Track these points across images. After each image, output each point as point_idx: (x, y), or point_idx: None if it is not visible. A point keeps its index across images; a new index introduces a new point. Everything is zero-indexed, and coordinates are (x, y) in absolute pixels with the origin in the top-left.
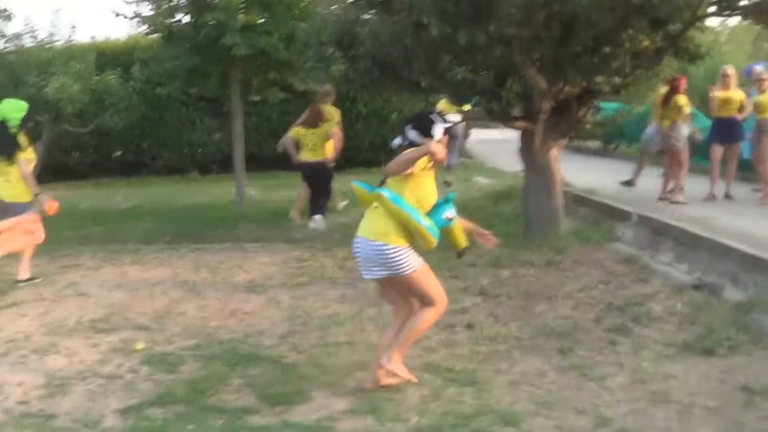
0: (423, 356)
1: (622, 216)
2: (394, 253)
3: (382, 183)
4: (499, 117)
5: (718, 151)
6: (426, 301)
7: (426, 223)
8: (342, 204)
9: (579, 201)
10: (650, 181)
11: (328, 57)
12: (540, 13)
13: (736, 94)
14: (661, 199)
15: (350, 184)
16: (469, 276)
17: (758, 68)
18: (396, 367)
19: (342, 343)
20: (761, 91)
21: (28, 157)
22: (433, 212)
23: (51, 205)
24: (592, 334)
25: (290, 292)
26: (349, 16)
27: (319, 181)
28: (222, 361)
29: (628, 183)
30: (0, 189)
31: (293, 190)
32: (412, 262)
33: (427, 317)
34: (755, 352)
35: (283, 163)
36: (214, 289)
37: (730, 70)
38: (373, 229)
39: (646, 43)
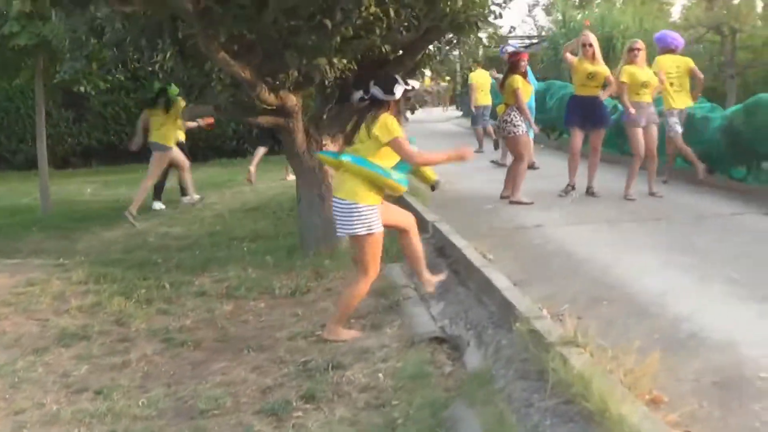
0: None
1: (422, 226)
2: (363, 211)
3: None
4: (238, 112)
5: (578, 136)
6: (361, 268)
7: (395, 177)
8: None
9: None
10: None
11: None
12: None
13: (602, 68)
14: (502, 197)
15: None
16: (187, 308)
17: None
18: (335, 336)
19: None
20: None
21: None
22: (398, 164)
23: None
24: (237, 417)
25: None
26: None
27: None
28: None
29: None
30: None
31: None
32: (373, 226)
33: (360, 286)
34: None
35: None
36: None
37: (592, 38)
38: (344, 189)
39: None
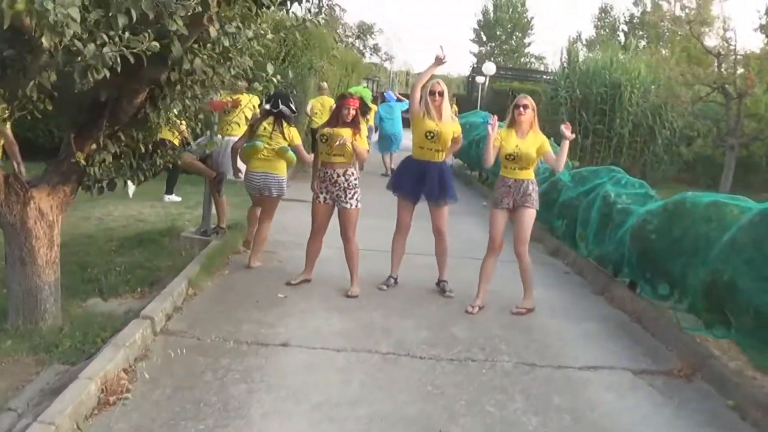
0: None
1: None
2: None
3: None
4: None
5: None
6: (267, 215)
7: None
8: None
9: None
10: None
11: None
12: None
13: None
14: None
15: None
16: None
17: None
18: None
19: None
20: None
21: None
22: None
23: None
24: None
25: None
26: None
27: None
28: None
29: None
30: None
31: None
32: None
33: (266, 225)
34: None
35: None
36: None
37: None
38: (272, 167)
39: None
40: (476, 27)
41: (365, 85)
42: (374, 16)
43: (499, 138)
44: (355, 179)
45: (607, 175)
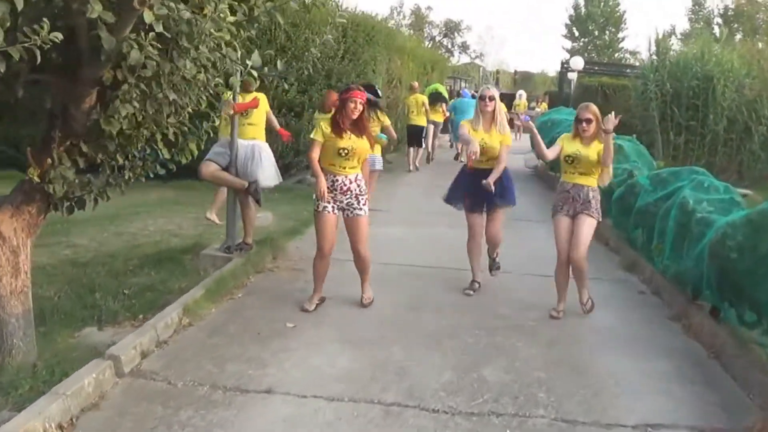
0: None
1: None
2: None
3: None
4: None
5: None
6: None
7: None
8: None
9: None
10: None
11: None
12: None
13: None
14: None
15: None
16: None
17: None
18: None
19: None
20: None
21: None
22: None
23: None
24: None
25: None
26: None
27: None
28: None
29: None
30: None
31: None
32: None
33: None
34: None
35: None
36: None
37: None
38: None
39: None
40: (568, 22)
41: (446, 84)
42: (464, 14)
43: (561, 141)
44: (364, 183)
45: (688, 178)
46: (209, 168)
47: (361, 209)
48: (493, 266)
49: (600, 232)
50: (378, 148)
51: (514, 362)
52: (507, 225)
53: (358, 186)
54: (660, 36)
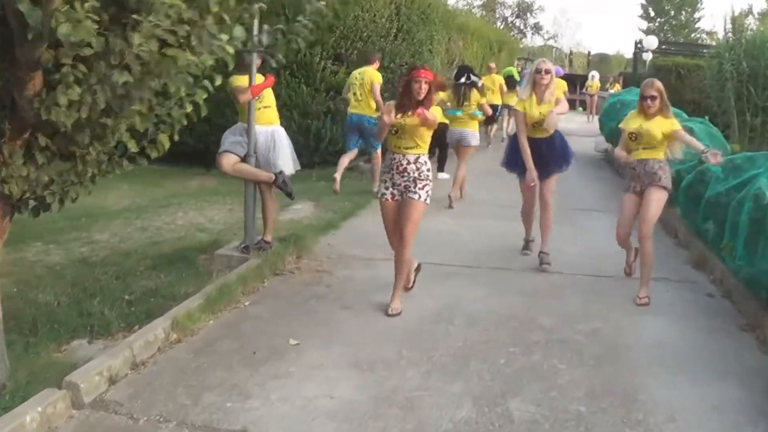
0: None
1: None
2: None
3: None
4: None
5: None
6: (463, 162)
7: None
8: None
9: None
10: None
11: None
12: None
13: None
14: None
15: None
16: None
17: None
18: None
19: None
20: None
21: None
22: None
23: None
24: None
25: None
26: None
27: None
28: None
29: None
30: None
31: None
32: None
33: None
34: None
35: None
36: None
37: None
38: (467, 125)
39: None
40: (644, 2)
41: (517, 65)
42: None
43: (625, 122)
44: (428, 170)
45: (765, 165)
46: (230, 160)
47: (416, 193)
48: (543, 261)
49: (669, 224)
50: (475, 124)
51: (550, 390)
52: (563, 217)
53: (417, 169)
54: (736, 14)
